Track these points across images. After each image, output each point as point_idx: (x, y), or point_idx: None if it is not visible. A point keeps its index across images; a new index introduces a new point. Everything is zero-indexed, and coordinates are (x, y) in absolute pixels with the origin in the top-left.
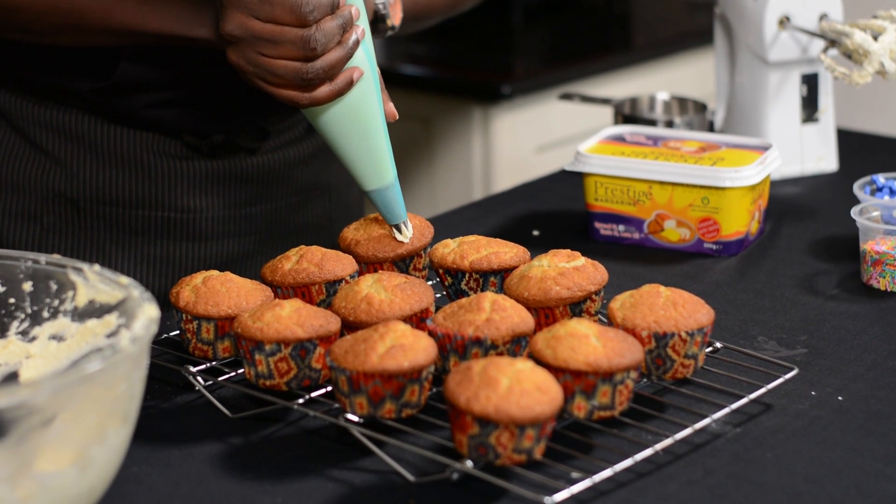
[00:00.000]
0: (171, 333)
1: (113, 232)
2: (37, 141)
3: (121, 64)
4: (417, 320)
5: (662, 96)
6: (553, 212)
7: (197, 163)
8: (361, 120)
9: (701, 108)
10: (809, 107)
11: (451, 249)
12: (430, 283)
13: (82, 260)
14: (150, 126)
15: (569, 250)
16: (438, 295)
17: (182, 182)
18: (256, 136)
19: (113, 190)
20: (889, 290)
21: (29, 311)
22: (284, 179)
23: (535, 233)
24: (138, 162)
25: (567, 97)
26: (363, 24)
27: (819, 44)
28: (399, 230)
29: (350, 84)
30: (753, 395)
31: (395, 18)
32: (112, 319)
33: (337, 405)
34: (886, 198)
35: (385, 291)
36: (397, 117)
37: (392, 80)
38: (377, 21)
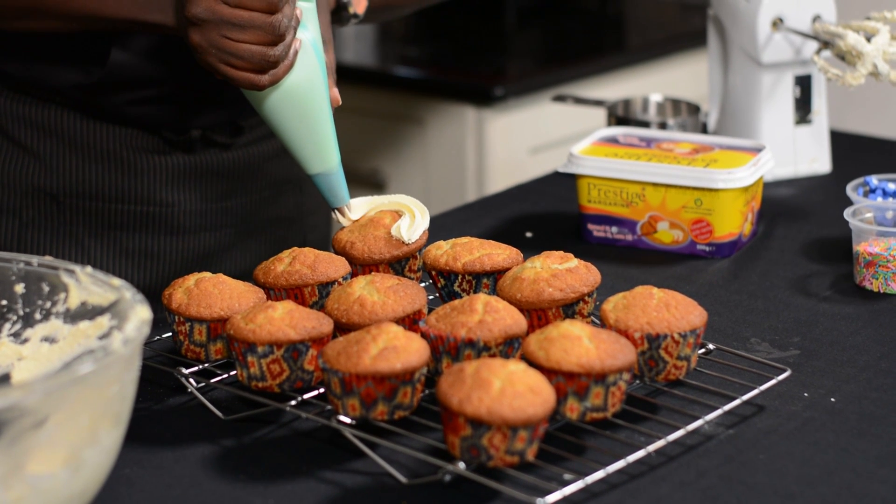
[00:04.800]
0: (164, 335)
1: (92, 226)
2: (15, 136)
3: (108, 61)
4: (410, 322)
5: (656, 98)
6: (546, 213)
7: (174, 158)
8: (308, 103)
9: (694, 109)
10: (803, 108)
11: (444, 251)
12: (422, 284)
13: (61, 254)
14: (130, 122)
15: (562, 252)
16: (431, 297)
17: (160, 176)
18: (231, 132)
19: (92, 184)
20: (882, 291)
21: (21, 312)
22: (258, 173)
23: (528, 234)
24: (117, 157)
25: (560, 99)
26: (304, 5)
27: (812, 45)
28: (342, 213)
29: (296, 54)
30: (746, 397)
31: (359, 7)
32: (104, 321)
33: (329, 407)
34: (879, 199)
35: (377, 293)
36: (340, 102)
37: (386, 81)
38: (339, 9)
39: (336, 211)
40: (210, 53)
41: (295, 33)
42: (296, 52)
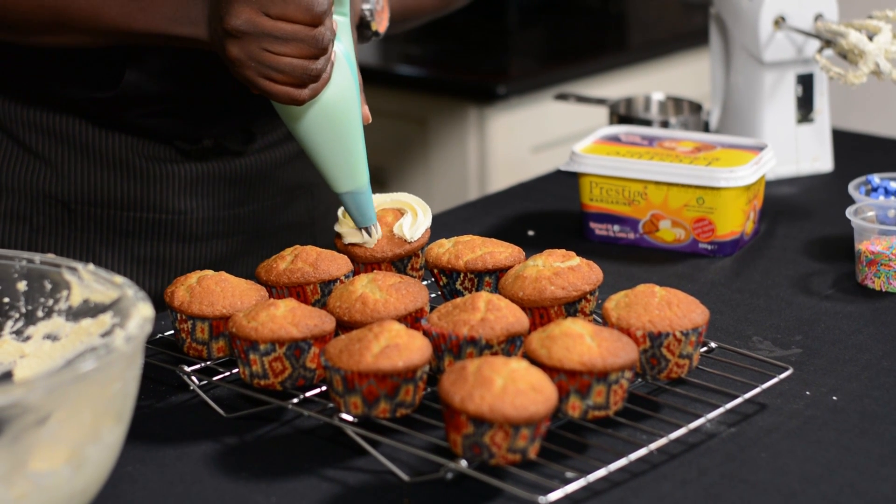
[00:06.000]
0: (166, 333)
1: (103, 233)
2: (26, 143)
3: (125, 76)
4: (412, 320)
5: (658, 96)
6: (548, 212)
7: (187, 165)
8: (342, 118)
9: (696, 108)
10: (805, 107)
11: (446, 249)
12: (425, 282)
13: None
14: (142, 133)
15: (564, 250)
16: (433, 295)
17: (172, 184)
18: (243, 139)
19: (104, 192)
20: (884, 290)
21: (23, 310)
22: (270, 180)
23: (531, 233)
24: (129, 165)
25: (562, 97)
26: (339, 18)
27: (814, 44)
28: (369, 233)
29: (332, 68)
30: (748, 395)
31: (381, 26)
32: (106, 319)
33: (331, 405)
34: (881, 198)
35: (380, 291)
36: (370, 120)
37: (388, 80)
38: (362, 27)
39: (363, 230)
40: (249, 67)
41: (332, 46)
42: (332, 66)
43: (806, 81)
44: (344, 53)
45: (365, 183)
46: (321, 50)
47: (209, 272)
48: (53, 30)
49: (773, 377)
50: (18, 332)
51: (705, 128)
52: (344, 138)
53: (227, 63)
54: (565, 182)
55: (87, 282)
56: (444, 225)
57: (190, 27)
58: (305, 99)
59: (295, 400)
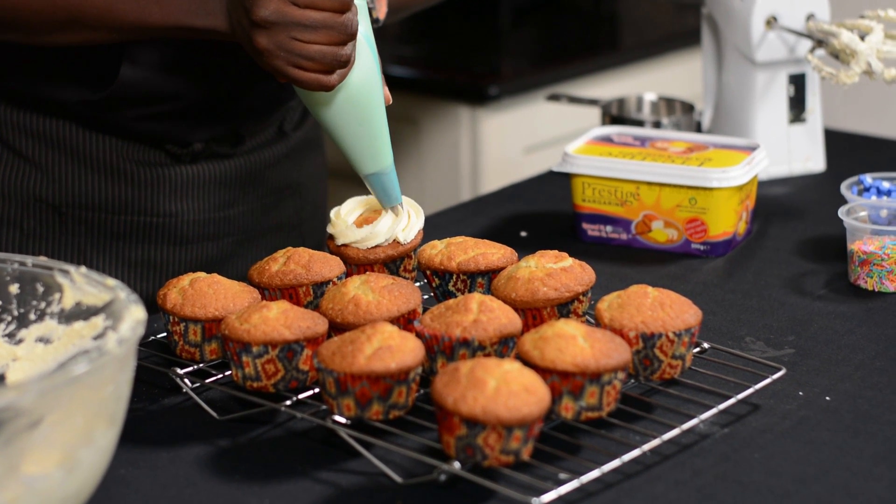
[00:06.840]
0: (159, 335)
1: (94, 237)
2: (17, 146)
3: (118, 77)
4: (405, 321)
5: (650, 97)
6: (541, 213)
7: (177, 169)
8: (366, 103)
9: (688, 108)
10: (797, 107)
11: (439, 250)
12: (417, 284)
13: None
14: (133, 137)
15: (556, 251)
16: (426, 296)
17: (163, 188)
18: (233, 141)
19: (94, 195)
20: (876, 290)
21: (15, 313)
22: (259, 181)
23: (523, 234)
24: (120, 169)
25: (555, 98)
26: (358, 1)
27: (806, 44)
28: (395, 212)
29: (354, 50)
30: (741, 396)
31: (381, 12)
32: (99, 321)
33: (324, 407)
34: (874, 198)
35: (372, 293)
36: (391, 101)
37: None
38: None
39: (390, 210)
40: (278, 57)
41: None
42: (354, 48)
43: (798, 81)
44: (364, 36)
45: (390, 164)
46: (350, 36)
47: (202, 274)
48: (66, 28)
49: (766, 378)
50: (10, 335)
51: (697, 128)
52: (369, 120)
53: (254, 54)
54: (558, 183)
55: (79, 284)
56: (436, 226)
57: (208, 18)
58: (334, 84)
59: (288, 402)
